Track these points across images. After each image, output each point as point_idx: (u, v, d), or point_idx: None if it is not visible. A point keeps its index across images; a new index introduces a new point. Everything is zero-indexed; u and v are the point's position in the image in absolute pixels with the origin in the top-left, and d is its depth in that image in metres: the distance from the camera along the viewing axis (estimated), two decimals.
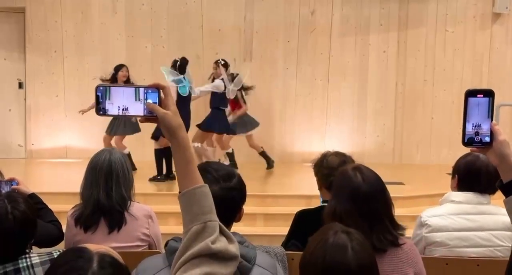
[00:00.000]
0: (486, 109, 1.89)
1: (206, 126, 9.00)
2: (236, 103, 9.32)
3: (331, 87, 10.76)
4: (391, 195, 6.98)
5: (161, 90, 1.79)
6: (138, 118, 1.82)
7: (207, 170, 2.38)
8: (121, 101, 1.78)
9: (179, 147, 1.80)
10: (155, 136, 8.64)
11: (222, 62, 9.09)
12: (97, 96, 1.77)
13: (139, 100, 1.78)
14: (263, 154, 9.56)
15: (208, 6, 10.67)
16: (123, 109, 1.79)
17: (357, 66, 10.90)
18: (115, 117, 8.53)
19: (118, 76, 9.05)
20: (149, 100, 1.78)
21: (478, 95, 1.90)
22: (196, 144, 8.72)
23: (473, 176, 3.52)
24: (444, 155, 10.32)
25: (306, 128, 10.39)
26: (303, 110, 10.40)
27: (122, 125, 9.07)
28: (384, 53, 10.91)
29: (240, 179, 2.44)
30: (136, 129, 9.05)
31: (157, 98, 1.79)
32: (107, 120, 9.58)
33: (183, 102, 8.39)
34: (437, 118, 10.75)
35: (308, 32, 10.79)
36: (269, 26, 10.75)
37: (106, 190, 3.51)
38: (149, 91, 1.78)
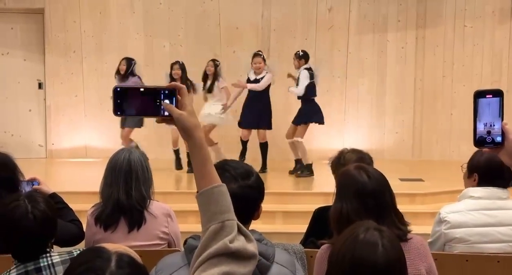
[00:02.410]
0: (497, 109, 1.88)
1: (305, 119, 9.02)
2: None
3: (349, 84, 10.73)
4: (410, 191, 6.96)
5: (178, 91, 1.80)
6: (155, 119, 1.82)
7: (225, 168, 2.38)
8: (138, 102, 1.79)
9: (195, 146, 1.81)
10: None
11: (301, 53, 9.06)
12: (114, 97, 1.78)
13: (156, 100, 1.79)
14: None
15: (225, 4, 10.68)
16: (140, 110, 1.80)
17: (375, 63, 10.87)
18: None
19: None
20: (166, 101, 1.78)
21: (487, 96, 1.89)
22: (299, 139, 8.87)
23: (495, 171, 3.47)
24: (464, 151, 10.20)
25: (324, 126, 10.34)
26: (321, 107, 10.35)
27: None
28: (403, 49, 10.86)
29: (258, 177, 2.44)
30: (137, 124, 9.11)
31: (174, 98, 1.79)
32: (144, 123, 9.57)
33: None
34: (457, 114, 10.67)
35: (326, 29, 10.77)
36: (287, 23, 10.75)
37: (126, 189, 3.53)
38: (166, 91, 1.79)
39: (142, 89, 1.80)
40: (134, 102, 1.79)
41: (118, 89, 1.79)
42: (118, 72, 9.19)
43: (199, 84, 9.23)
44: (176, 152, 9.31)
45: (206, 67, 9.19)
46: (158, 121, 1.84)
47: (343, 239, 2.01)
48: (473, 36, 10.80)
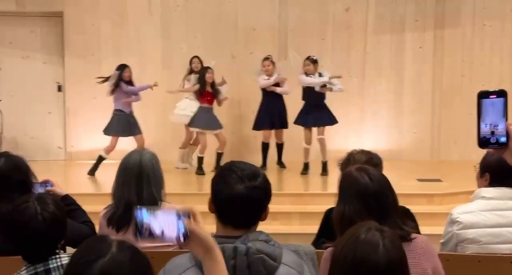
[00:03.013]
0: (501, 109, 1.87)
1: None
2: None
3: (366, 85, 10.70)
4: (429, 192, 6.92)
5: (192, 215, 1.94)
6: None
7: (232, 169, 2.39)
8: (160, 224, 1.91)
9: (215, 261, 2.00)
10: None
11: (315, 58, 9.18)
12: (137, 219, 1.89)
13: (174, 224, 1.93)
14: None
15: (242, 6, 10.70)
16: (161, 233, 1.93)
17: (393, 62, 10.82)
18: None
19: (123, 77, 9.15)
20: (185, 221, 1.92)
21: (490, 97, 1.88)
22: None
23: (507, 171, 3.45)
24: (483, 151, 10.10)
25: (342, 126, 10.33)
26: (339, 108, 10.34)
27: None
28: (421, 49, 10.81)
29: (265, 178, 2.44)
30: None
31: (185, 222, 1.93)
32: (144, 122, 9.67)
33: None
34: (475, 114, 10.57)
35: (343, 30, 10.75)
36: (304, 24, 10.74)
37: (137, 191, 3.56)
38: (181, 215, 1.93)
39: (163, 213, 1.92)
40: (156, 224, 1.92)
41: (141, 211, 1.91)
42: (120, 79, 9.14)
43: (223, 88, 9.38)
44: (201, 159, 9.30)
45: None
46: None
47: (345, 239, 2.02)
48: (492, 35, 10.71)
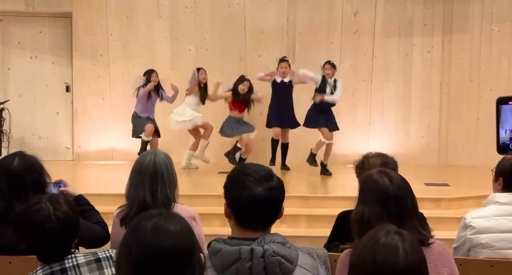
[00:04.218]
0: None
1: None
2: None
3: (374, 88, 10.69)
4: (436, 196, 6.90)
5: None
6: None
7: (247, 172, 2.41)
8: None
9: None
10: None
11: (334, 63, 9.35)
12: None
13: None
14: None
15: (251, 8, 10.71)
16: None
17: (401, 66, 10.82)
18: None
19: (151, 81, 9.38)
20: None
21: (510, 103, 1.88)
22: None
23: None
24: (491, 156, 10.01)
25: (350, 129, 10.34)
26: (346, 111, 10.35)
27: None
28: (429, 53, 10.80)
29: (277, 177, 2.48)
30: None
31: None
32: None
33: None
34: (483, 118, 10.57)
35: (351, 33, 10.75)
36: (312, 27, 10.75)
37: (152, 191, 3.56)
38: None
39: None
40: None
41: None
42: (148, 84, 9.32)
43: (227, 84, 9.43)
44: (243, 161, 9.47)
45: (200, 75, 9.41)
46: None
47: (364, 242, 2.02)
48: (501, 40, 10.69)
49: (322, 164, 9.31)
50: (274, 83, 9.45)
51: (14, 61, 10.88)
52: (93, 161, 10.60)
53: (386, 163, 3.43)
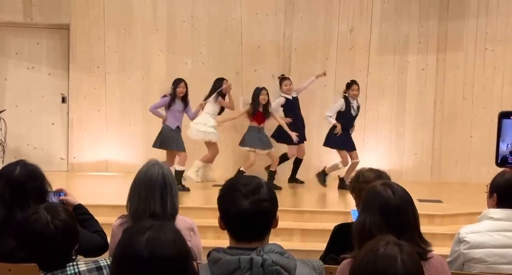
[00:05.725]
0: None
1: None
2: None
3: (369, 105, 10.75)
4: (429, 212, 6.94)
5: None
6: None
7: (235, 187, 2.45)
8: None
9: None
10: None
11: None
12: None
13: None
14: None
15: (247, 23, 10.79)
16: None
17: (395, 83, 10.91)
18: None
19: (177, 92, 9.06)
20: None
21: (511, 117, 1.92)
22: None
23: None
24: (483, 173, 10.21)
25: None
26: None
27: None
28: (423, 70, 10.90)
29: (269, 188, 2.49)
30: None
31: None
32: (147, 136, 9.74)
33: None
34: (476, 136, 10.67)
35: (347, 50, 10.84)
36: (308, 43, 10.82)
37: (162, 203, 3.59)
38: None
39: None
40: None
41: None
42: (175, 95, 9.04)
43: (243, 98, 9.67)
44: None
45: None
46: None
47: (364, 252, 2.06)
48: (494, 59, 10.80)
49: (342, 179, 9.49)
50: (287, 101, 9.57)
51: (11, 71, 10.90)
52: (88, 172, 10.60)
53: (380, 176, 3.49)
